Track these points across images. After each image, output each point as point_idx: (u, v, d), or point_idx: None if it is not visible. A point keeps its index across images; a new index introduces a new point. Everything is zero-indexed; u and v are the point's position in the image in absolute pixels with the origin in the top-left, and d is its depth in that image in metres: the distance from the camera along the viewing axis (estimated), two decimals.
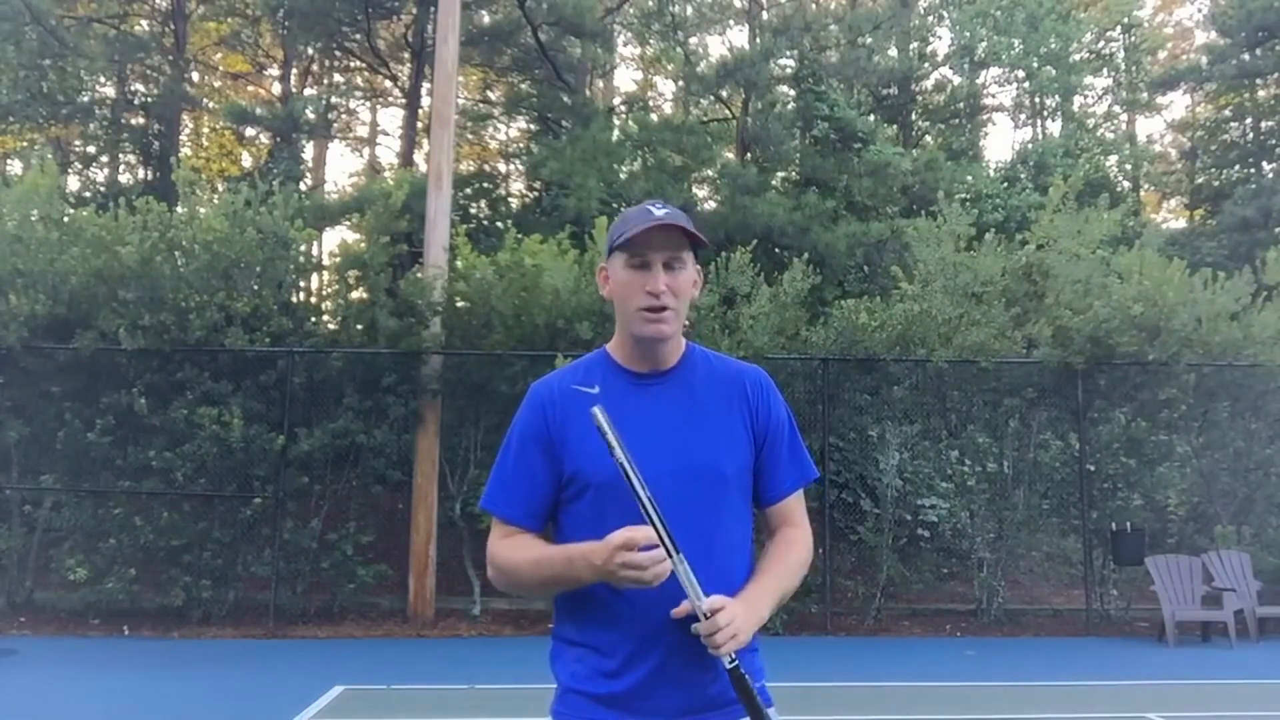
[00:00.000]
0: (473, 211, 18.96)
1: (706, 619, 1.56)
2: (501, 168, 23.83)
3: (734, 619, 1.57)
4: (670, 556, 1.55)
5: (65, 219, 10.82)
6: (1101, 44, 26.48)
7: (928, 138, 23.28)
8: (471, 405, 10.79)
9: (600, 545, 1.59)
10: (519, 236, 11.08)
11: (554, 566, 1.69)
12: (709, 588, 1.59)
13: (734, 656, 1.56)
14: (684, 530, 1.64)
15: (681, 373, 1.83)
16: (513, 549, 1.76)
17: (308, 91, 23.14)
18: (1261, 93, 23.40)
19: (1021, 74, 23.53)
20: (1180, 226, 24.43)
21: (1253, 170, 22.94)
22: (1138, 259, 11.42)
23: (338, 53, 21.98)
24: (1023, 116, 26.67)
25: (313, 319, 12.23)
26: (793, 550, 1.82)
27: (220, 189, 14.62)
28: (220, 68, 23.83)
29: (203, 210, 10.89)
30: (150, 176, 20.66)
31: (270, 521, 10.08)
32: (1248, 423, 11.12)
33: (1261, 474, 11.06)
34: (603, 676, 1.70)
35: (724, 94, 21.10)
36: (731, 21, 23.96)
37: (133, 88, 21.57)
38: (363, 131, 27.81)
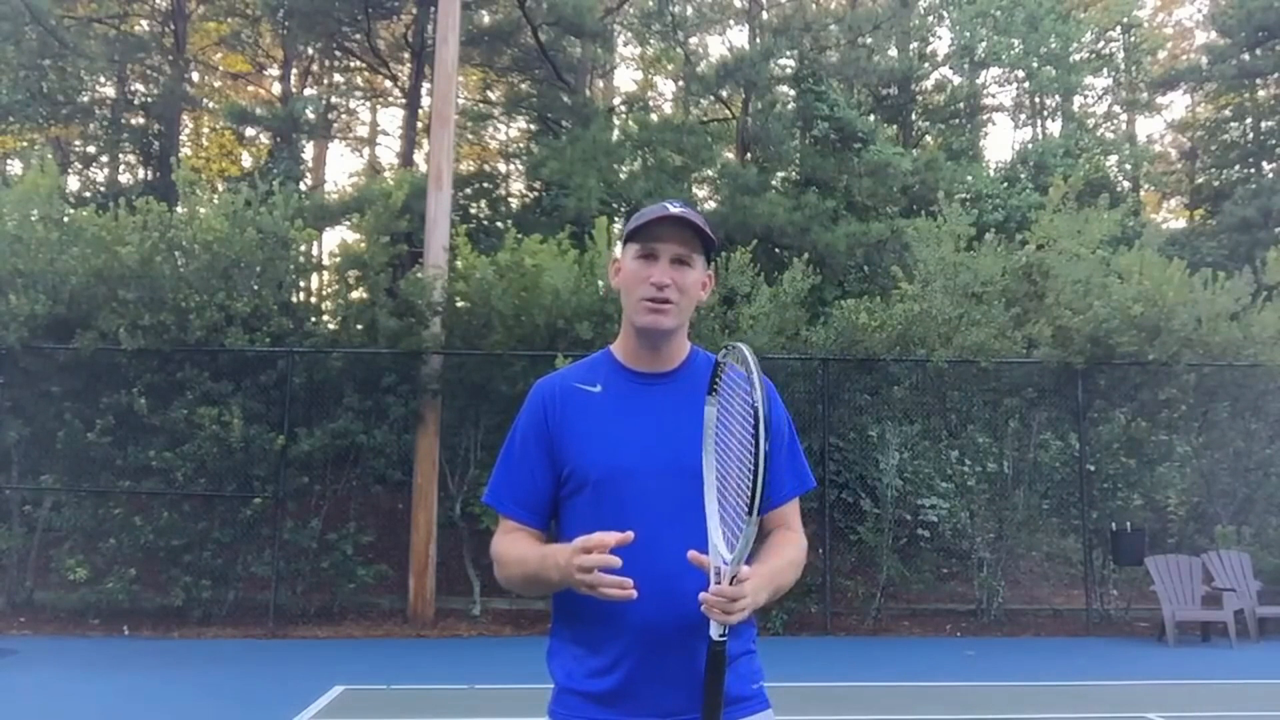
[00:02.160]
0: (473, 211, 18.96)
1: (733, 583, 1.50)
2: (501, 168, 23.83)
3: (750, 595, 1.53)
4: (750, 514, 1.45)
5: (65, 219, 10.83)
6: (1101, 44, 26.47)
7: (928, 138, 23.28)
8: (471, 405, 10.79)
9: (564, 547, 1.60)
10: (519, 236, 11.09)
11: (530, 565, 1.70)
12: (701, 587, 1.59)
13: (724, 631, 1.52)
14: (680, 529, 1.64)
15: (684, 375, 1.84)
16: (506, 546, 1.78)
17: (308, 91, 23.14)
18: (1261, 93, 23.40)
19: (1021, 74, 23.53)
20: (1180, 226, 24.42)
21: (1253, 170, 22.94)
22: (1138, 259, 11.42)
23: (338, 53, 21.96)
24: (1023, 116, 26.67)
25: (313, 319, 12.23)
26: (789, 548, 1.82)
27: (220, 189, 14.62)
28: (220, 68, 23.83)
29: (203, 210, 10.89)
30: (150, 176, 20.67)
31: (270, 521, 10.08)
32: (1248, 423, 11.12)
33: (1261, 474, 11.06)
34: (597, 675, 1.70)
35: (724, 94, 21.09)
36: (731, 21, 23.95)
37: (133, 88, 21.58)
38: (363, 131, 27.83)
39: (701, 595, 1.52)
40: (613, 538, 1.53)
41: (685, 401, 1.78)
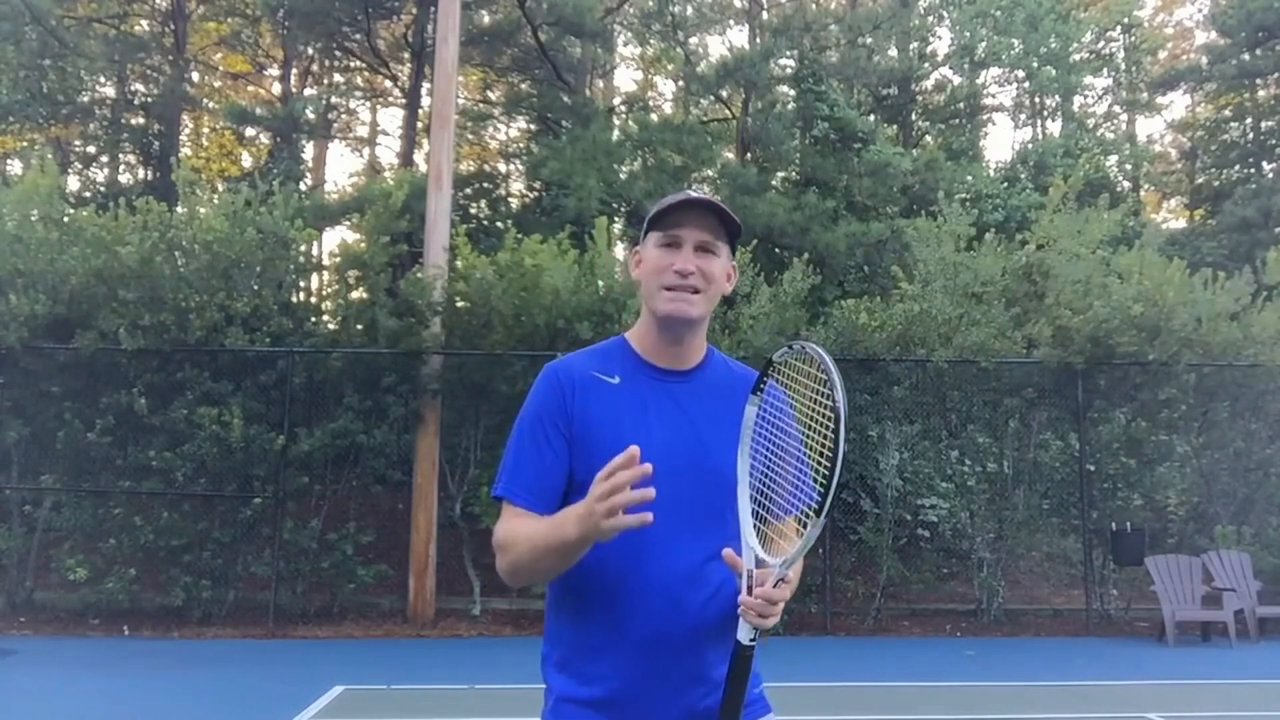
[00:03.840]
0: (473, 211, 18.96)
1: (779, 584, 1.46)
2: (501, 168, 23.82)
3: (785, 600, 1.48)
4: (820, 515, 1.42)
5: (65, 219, 10.83)
6: (1101, 44, 26.46)
7: (928, 138, 23.26)
8: (471, 405, 10.79)
9: (578, 504, 1.50)
10: (519, 236, 11.09)
11: (540, 536, 1.59)
12: (715, 591, 1.57)
13: (755, 635, 1.47)
14: (694, 534, 1.62)
15: (703, 374, 1.78)
16: (512, 527, 1.68)
17: (308, 91, 23.14)
18: (1261, 93, 23.40)
19: (1021, 74, 23.51)
20: (1180, 226, 24.42)
21: (1253, 170, 22.93)
22: (1138, 259, 11.42)
23: (338, 53, 21.96)
24: (1023, 116, 26.68)
25: (313, 319, 12.23)
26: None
27: (220, 189, 14.62)
28: (220, 68, 23.83)
29: (203, 210, 10.90)
30: (150, 176, 20.68)
31: (270, 521, 10.08)
32: (1248, 423, 11.12)
33: (1261, 474, 11.06)
34: (597, 683, 1.65)
35: (724, 94, 21.09)
36: (731, 21, 23.96)
37: (133, 88, 21.59)
38: (363, 131, 27.83)
39: (741, 598, 1.46)
40: (630, 461, 1.42)
41: (705, 402, 1.73)
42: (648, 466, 1.42)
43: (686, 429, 1.71)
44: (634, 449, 1.42)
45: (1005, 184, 18.94)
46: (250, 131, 22.08)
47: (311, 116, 19.41)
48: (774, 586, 1.46)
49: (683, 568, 1.62)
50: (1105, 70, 26.13)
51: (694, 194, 1.72)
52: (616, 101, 24.76)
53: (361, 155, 28.50)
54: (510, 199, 21.15)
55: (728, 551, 1.51)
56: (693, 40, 23.70)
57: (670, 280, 1.70)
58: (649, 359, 1.77)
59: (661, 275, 1.71)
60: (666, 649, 1.63)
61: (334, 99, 23.52)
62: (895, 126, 22.02)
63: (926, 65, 23.15)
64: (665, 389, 1.74)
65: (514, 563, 1.66)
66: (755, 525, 1.55)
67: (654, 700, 1.64)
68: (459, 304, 10.87)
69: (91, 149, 22.29)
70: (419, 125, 19.07)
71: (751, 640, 1.48)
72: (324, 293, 16.50)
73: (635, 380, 1.74)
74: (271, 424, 10.14)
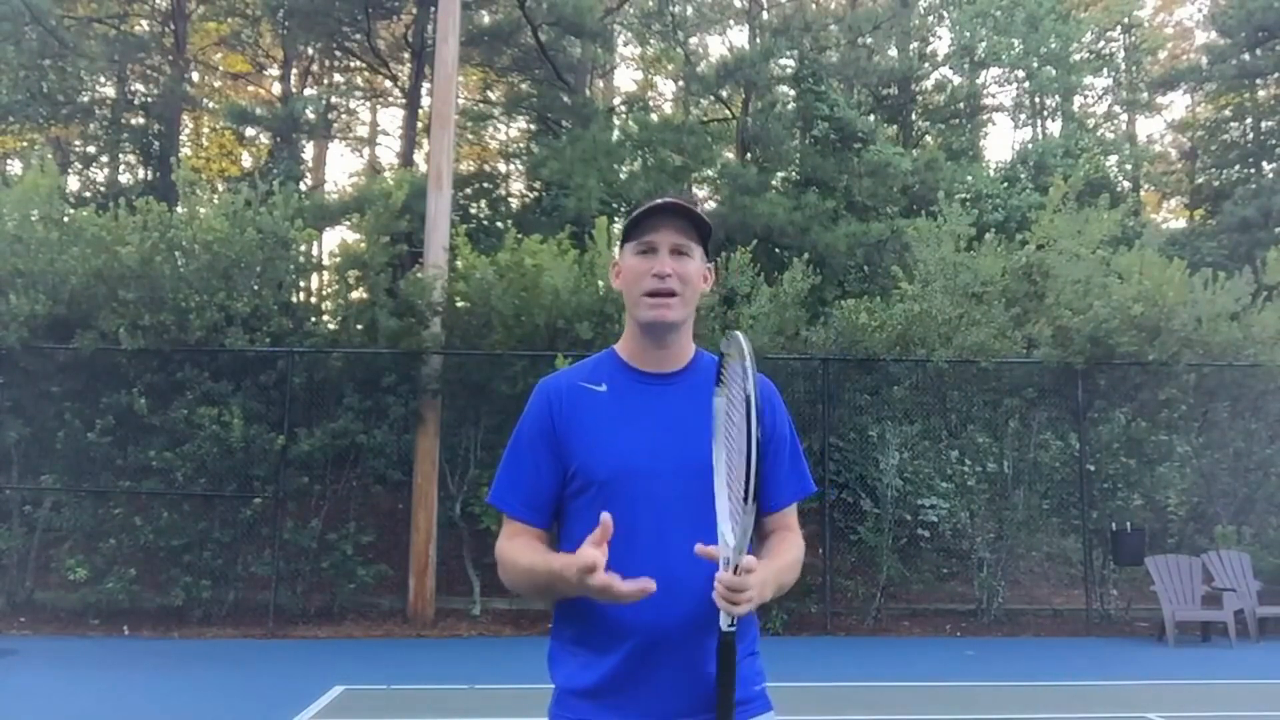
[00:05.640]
0: (473, 211, 18.96)
1: (737, 573, 1.49)
2: (501, 168, 23.81)
3: (757, 585, 1.53)
4: (745, 501, 1.47)
5: (65, 219, 10.83)
6: (1101, 44, 26.48)
7: (928, 138, 23.26)
8: (471, 405, 10.79)
9: (570, 564, 1.56)
10: (519, 236, 11.09)
11: (540, 578, 1.68)
12: (706, 584, 1.58)
13: (733, 622, 1.53)
14: (687, 529, 1.64)
15: (690, 376, 1.82)
16: (512, 553, 1.75)
17: (308, 91, 23.12)
18: (1261, 93, 23.40)
19: (1021, 74, 23.52)
20: (1180, 226, 24.42)
21: (1253, 170, 22.94)
22: (1138, 259, 11.42)
23: (338, 53, 21.97)
24: (1023, 116, 26.65)
25: (313, 319, 12.22)
26: (791, 549, 1.81)
27: (220, 189, 14.62)
28: (220, 68, 23.83)
29: (203, 210, 10.90)
30: (150, 176, 20.67)
31: (270, 521, 10.08)
32: (1248, 423, 11.12)
33: (1261, 474, 11.06)
34: (600, 676, 1.69)
35: (724, 94, 21.10)
36: (731, 21, 23.96)
37: (133, 88, 21.58)
38: (363, 131, 27.81)
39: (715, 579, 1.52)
40: (597, 554, 1.50)
41: (691, 402, 1.77)
42: (606, 528, 1.53)
43: (673, 429, 1.75)
44: (599, 558, 1.51)
45: (1005, 184, 18.94)
46: (250, 131, 22.07)
47: (311, 116, 19.39)
48: (735, 573, 1.50)
49: (674, 562, 1.65)
50: (1105, 70, 26.14)
51: (663, 199, 1.77)
52: (616, 101, 24.77)
53: (361, 155, 28.51)
54: (510, 199, 21.16)
55: (699, 546, 1.56)
56: (693, 40, 23.71)
57: (649, 285, 1.75)
58: (635, 365, 1.82)
59: (640, 281, 1.76)
60: (666, 641, 1.66)
61: (334, 99, 23.51)
62: (895, 126, 22.02)
63: (926, 65, 23.16)
64: (652, 392, 1.80)
65: (513, 584, 1.76)
66: (730, 516, 1.58)
67: (656, 692, 1.67)
68: (459, 304, 10.88)
69: (91, 149, 22.28)
70: (419, 125, 19.06)
71: (730, 627, 1.53)
72: (324, 293, 16.48)
73: (621, 386, 1.80)
74: (271, 424, 10.14)
